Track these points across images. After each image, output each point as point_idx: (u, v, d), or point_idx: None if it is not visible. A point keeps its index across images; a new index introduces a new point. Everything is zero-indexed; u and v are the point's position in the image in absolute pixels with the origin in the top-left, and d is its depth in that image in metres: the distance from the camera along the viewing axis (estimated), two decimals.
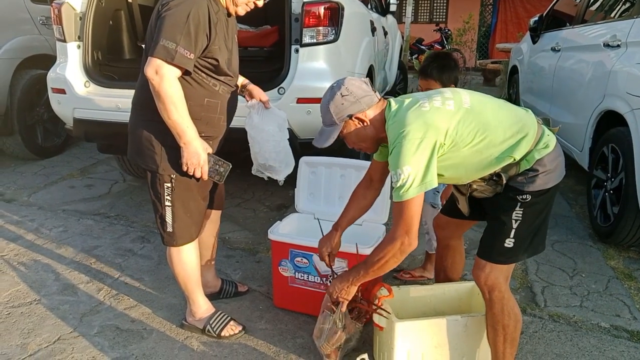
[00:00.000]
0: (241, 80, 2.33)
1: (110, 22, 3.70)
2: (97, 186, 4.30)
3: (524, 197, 1.73)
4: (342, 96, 1.76)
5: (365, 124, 1.79)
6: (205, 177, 2.04)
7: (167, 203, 2.09)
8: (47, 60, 4.33)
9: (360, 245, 2.20)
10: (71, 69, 3.35)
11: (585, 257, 3.10)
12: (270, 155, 2.29)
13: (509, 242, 1.77)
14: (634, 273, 2.91)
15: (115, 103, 3.21)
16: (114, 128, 3.21)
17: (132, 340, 2.27)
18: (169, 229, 2.12)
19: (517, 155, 1.70)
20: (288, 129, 2.41)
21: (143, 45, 4.03)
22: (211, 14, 1.92)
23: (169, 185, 2.06)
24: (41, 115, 4.91)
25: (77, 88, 3.33)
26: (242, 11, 2.07)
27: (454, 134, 1.66)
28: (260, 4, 2.09)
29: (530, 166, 1.71)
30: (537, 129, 1.74)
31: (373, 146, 1.89)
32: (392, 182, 1.68)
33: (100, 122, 3.29)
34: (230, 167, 2.08)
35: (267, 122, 2.27)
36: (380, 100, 1.81)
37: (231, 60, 2.09)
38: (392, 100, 1.82)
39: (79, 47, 3.36)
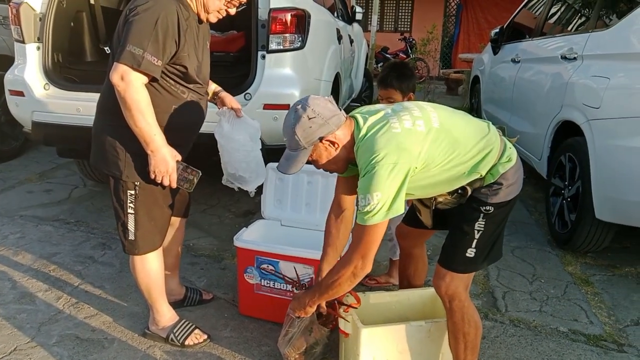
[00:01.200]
0: (213, 87, 2.30)
1: (72, 24, 3.62)
2: (57, 191, 4.18)
3: (487, 208, 1.76)
4: (309, 119, 1.65)
5: (335, 146, 1.72)
6: (174, 185, 2.00)
7: (129, 211, 2.04)
8: (5, 61, 4.19)
9: None
10: (30, 71, 3.26)
11: (544, 263, 3.20)
12: (240, 165, 2.25)
13: (471, 252, 1.79)
14: (591, 278, 3.01)
15: (75, 106, 3.14)
16: (75, 132, 3.15)
17: (92, 350, 2.21)
18: (131, 237, 2.08)
19: (483, 171, 1.72)
20: None
21: (106, 48, 3.99)
22: (180, 20, 1.89)
23: (133, 192, 2.02)
24: None
25: (36, 90, 3.24)
26: (213, 18, 2.05)
27: (426, 157, 1.65)
28: (233, 12, 2.07)
29: (494, 180, 1.74)
30: (500, 143, 1.77)
31: (343, 167, 1.82)
32: (358, 205, 1.64)
33: (60, 125, 3.22)
34: (200, 174, 2.05)
35: (238, 131, 2.22)
36: (347, 119, 1.75)
37: (201, 67, 2.07)
38: (359, 117, 1.75)
39: (38, 48, 3.27)
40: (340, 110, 1.74)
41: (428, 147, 1.65)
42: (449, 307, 1.83)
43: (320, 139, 1.69)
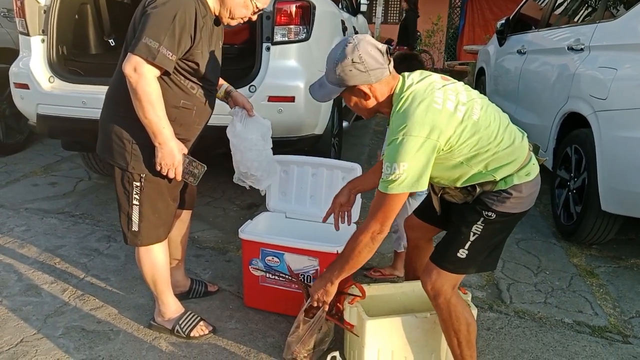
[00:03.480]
0: (225, 86, 2.31)
1: (76, 16, 3.62)
2: (62, 184, 4.20)
3: (489, 214, 1.74)
4: (353, 62, 1.63)
5: (367, 97, 1.72)
6: (179, 178, 2.01)
7: (134, 202, 2.05)
8: (9, 54, 4.20)
9: (332, 244, 2.21)
10: (35, 64, 3.26)
11: (549, 254, 3.19)
12: (252, 164, 2.27)
13: (462, 253, 1.78)
14: (596, 270, 3.00)
15: (80, 99, 3.14)
16: (80, 124, 3.14)
17: (98, 341, 2.23)
18: (135, 228, 2.09)
19: (498, 177, 1.71)
20: None
21: (110, 41, 3.98)
22: (198, 17, 1.90)
23: (138, 184, 2.02)
24: (3, 111, 4.75)
25: (41, 83, 3.24)
26: (234, 23, 2.08)
27: (454, 142, 1.64)
28: (255, 18, 2.11)
29: (506, 187, 1.72)
30: (525, 157, 1.76)
31: (369, 115, 1.84)
32: (383, 172, 1.64)
33: (65, 118, 3.21)
34: (206, 168, 2.06)
35: (250, 131, 2.24)
36: (391, 74, 1.72)
37: (212, 66, 2.07)
38: (406, 77, 1.73)
39: (43, 41, 3.27)
40: (389, 63, 1.70)
41: (459, 134, 1.64)
42: (435, 303, 1.82)
43: (354, 86, 1.69)
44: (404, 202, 1.69)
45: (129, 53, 1.84)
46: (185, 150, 2.02)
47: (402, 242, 2.70)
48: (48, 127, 3.37)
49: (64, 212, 3.60)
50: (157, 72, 1.87)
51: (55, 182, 4.23)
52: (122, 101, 1.93)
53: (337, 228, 2.15)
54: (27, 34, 3.26)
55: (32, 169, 4.55)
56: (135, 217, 2.07)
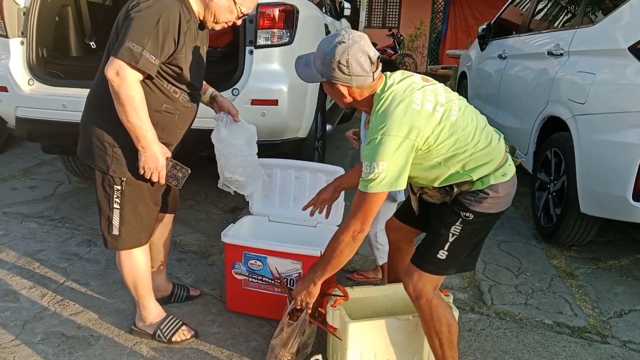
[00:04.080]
0: (210, 91, 2.30)
1: (57, 19, 3.57)
2: (41, 187, 4.14)
3: (467, 214, 1.76)
4: (339, 63, 1.65)
5: (344, 96, 1.74)
6: (163, 181, 2.00)
7: (115, 205, 2.03)
8: None
9: (315, 247, 2.21)
10: (14, 66, 3.20)
11: (529, 256, 3.23)
12: (237, 169, 2.26)
13: (442, 254, 1.79)
14: (575, 271, 3.05)
15: (60, 102, 3.10)
16: (59, 127, 3.11)
17: (78, 347, 2.20)
18: (115, 232, 2.06)
19: (475, 177, 1.73)
20: None
21: (91, 43, 3.94)
22: (182, 22, 1.89)
23: (119, 188, 2.01)
24: None
25: (20, 86, 3.19)
26: (218, 27, 2.07)
27: (432, 142, 1.66)
28: (239, 23, 2.10)
29: (482, 188, 1.75)
30: (502, 158, 1.78)
31: (345, 106, 1.87)
32: (363, 171, 1.66)
33: (44, 121, 3.17)
34: (189, 172, 2.04)
35: (235, 136, 2.23)
36: (375, 80, 1.72)
37: (196, 70, 2.06)
38: (388, 79, 1.74)
39: (22, 43, 3.22)
40: (375, 70, 1.70)
41: (437, 134, 1.66)
42: (417, 304, 1.84)
43: (334, 82, 1.71)
44: (383, 201, 1.70)
45: (111, 57, 1.82)
46: (169, 154, 2.01)
47: (378, 253, 2.69)
48: (27, 130, 3.32)
49: (44, 216, 3.55)
50: (140, 76, 1.85)
51: (34, 186, 4.17)
52: (103, 104, 1.91)
53: (311, 215, 2.24)
54: (6, 36, 3.21)
55: (11, 172, 4.49)
56: (116, 220, 2.05)
